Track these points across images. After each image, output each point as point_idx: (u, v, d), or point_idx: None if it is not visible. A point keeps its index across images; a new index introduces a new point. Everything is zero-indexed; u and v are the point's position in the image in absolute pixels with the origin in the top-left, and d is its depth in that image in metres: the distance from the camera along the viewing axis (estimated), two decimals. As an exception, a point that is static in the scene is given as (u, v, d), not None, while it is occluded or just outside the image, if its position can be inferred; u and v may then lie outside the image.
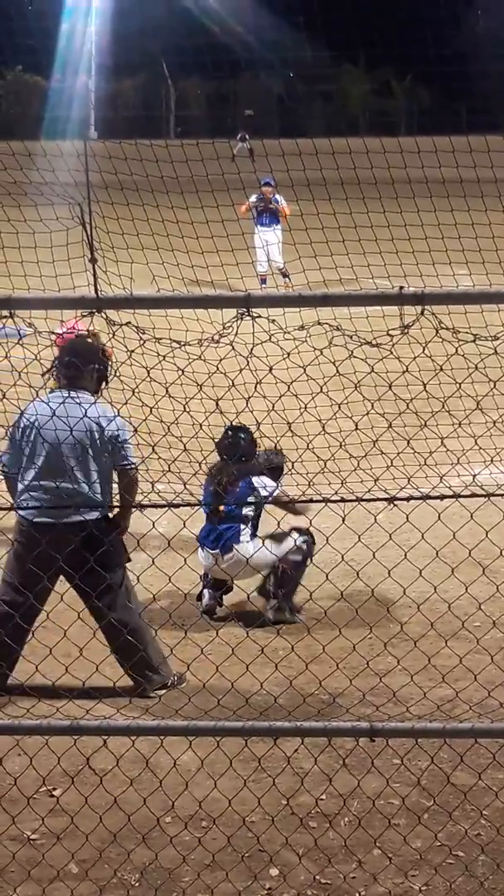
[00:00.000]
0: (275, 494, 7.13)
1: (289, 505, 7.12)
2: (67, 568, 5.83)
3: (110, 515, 6.20)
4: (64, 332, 7.14)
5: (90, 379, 6.17)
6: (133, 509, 6.20)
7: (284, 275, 18.24)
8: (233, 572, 7.11)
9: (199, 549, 7.27)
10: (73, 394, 5.81)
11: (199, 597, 7.33)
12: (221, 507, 7.16)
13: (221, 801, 5.14)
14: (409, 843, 5.00)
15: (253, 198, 18.45)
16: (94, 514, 6.07)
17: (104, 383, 6.24)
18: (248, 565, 6.94)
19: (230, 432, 7.16)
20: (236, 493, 7.12)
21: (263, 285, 18.49)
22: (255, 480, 7.15)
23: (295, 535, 7.20)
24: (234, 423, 6.94)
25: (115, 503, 6.22)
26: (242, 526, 7.20)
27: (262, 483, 7.14)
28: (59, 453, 5.99)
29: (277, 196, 18.75)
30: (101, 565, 5.54)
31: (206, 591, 7.34)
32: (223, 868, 4.86)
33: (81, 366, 6.09)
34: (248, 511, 7.19)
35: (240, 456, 7.09)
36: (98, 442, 6.06)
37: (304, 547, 7.20)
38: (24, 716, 5.82)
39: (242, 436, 7.16)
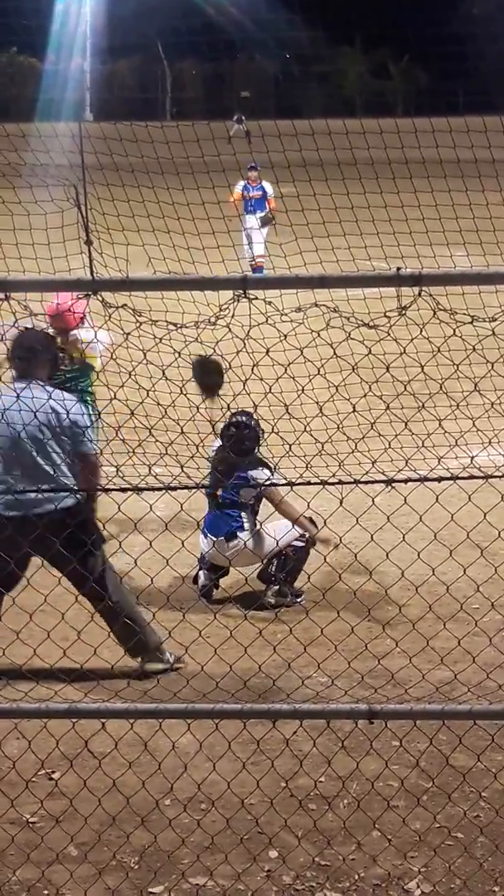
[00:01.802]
0: (268, 489, 7.09)
1: (287, 510, 7.12)
2: (50, 557, 5.85)
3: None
4: (57, 303, 7.17)
5: (43, 368, 6.28)
6: (100, 494, 6.26)
7: (259, 269, 17.84)
8: (235, 560, 7.12)
9: (202, 537, 7.28)
10: (23, 385, 5.90)
11: (196, 579, 7.33)
12: (219, 493, 7.16)
13: (220, 783, 5.14)
14: (409, 824, 5.00)
15: (239, 187, 18.28)
16: (68, 502, 6.08)
17: (57, 371, 6.43)
18: (251, 554, 6.96)
19: (233, 428, 7.15)
20: (236, 480, 7.13)
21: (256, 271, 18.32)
22: (255, 471, 7.15)
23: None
24: (237, 415, 6.98)
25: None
26: (243, 514, 7.20)
27: (256, 476, 7.13)
28: (21, 445, 6.05)
29: (264, 184, 18.56)
30: (85, 550, 5.55)
31: (201, 573, 7.34)
32: (222, 850, 4.86)
33: (33, 356, 6.19)
34: (245, 498, 7.20)
35: (244, 448, 7.13)
36: (58, 429, 6.11)
37: (307, 534, 7.20)
38: (23, 699, 5.81)
39: (247, 432, 7.16)
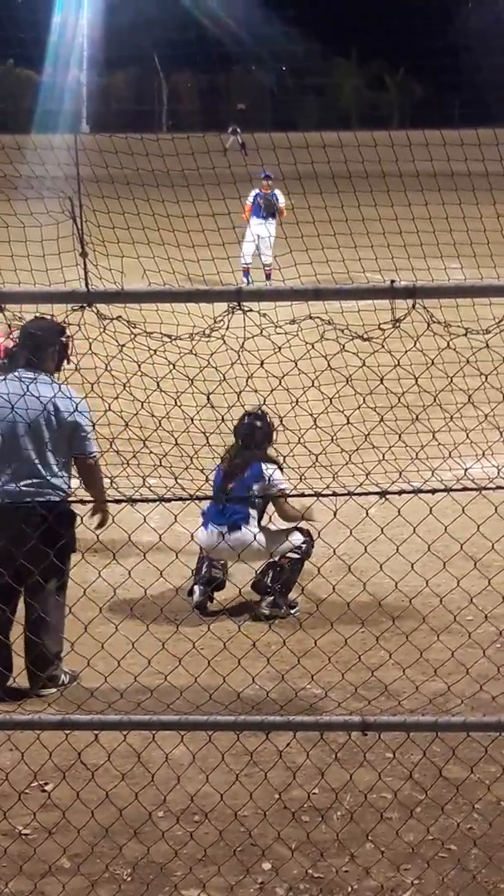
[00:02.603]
0: (280, 487, 7.18)
1: (288, 511, 7.17)
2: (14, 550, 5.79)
3: (69, 500, 6.17)
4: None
5: (49, 361, 6.19)
6: (108, 500, 6.22)
7: (268, 276, 18.06)
8: (236, 550, 7.07)
9: (201, 529, 7.23)
10: (30, 374, 5.90)
11: (190, 592, 7.32)
12: (230, 486, 7.23)
13: (213, 795, 5.14)
14: (402, 836, 5.00)
15: (251, 197, 18.46)
16: (52, 499, 6.03)
17: (65, 362, 6.24)
18: (252, 547, 6.95)
19: (247, 418, 7.21)
20: (245, 477, 7.20)
21: (246, 278, 18.43)
22: (265, 468, 7.19)
23: (296, 534, 7.27)
24: (252, 410, 7.03)
25: (79, 495, 6.20)
26: (252, 511, 7.24)
27: (270, 472, 7.18)
28: (15, 436, 6.01)
29: (276, 192, 18.73)
30: (53, 550, 5.52)
31: (196, 587, 7.33)
32: (215, 862, 4.86)
33: (38, 348, 6.10)
34: (255, 495, 7.23)
35: (256, 443, 7.22)
36: (55, 425, 6.04)
37: (304, 546, 7.25)
38: (16, 710, 5.82)
39: (259, 424, 7.23)
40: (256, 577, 7.31)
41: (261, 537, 7.13)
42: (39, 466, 6.06)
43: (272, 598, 7.24)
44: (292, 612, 7.20)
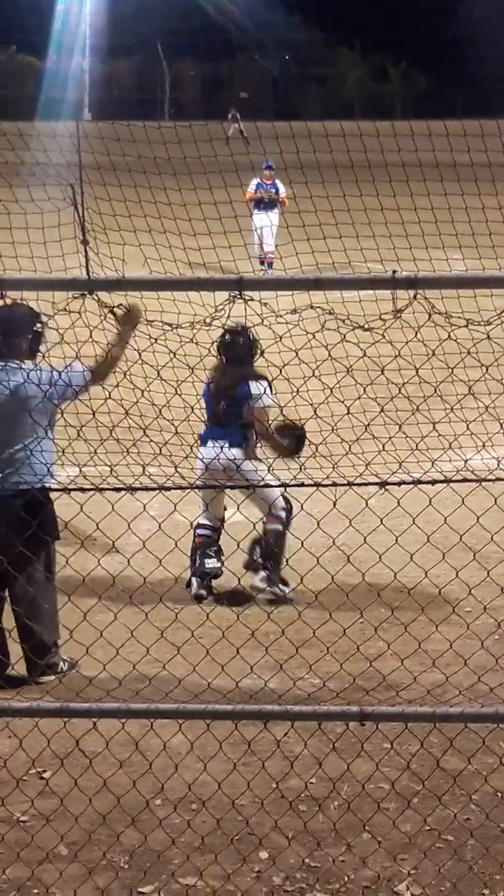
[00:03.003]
0: (265, 404, 7.18)
1: (270, 438, 7.23)
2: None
3: (49, 485, 6.12)
4: None
5: (22, 348, 6.08)
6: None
7: (269, 264, 18.08)
8: (235, 465, 6.94)
9: (201, 448, 7.19)
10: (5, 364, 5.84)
11: (188, 584, 7.32)
12: (221, 405, 7.23)
13: (211, 784, 5.14)
14: (399, 827, 5.01)
15: (253, 184, 18.55)
16: (33, 483, 5.98)
17: (40, 346, 6.12)
18: (246, 469, 6.94)
19: (227, 335, 7.15)
20: (236, 395, 7.19)
21: (262, 267, 18.51)
22: (254, 386, 7.19)
23: (280, 499, 7.30)
24: (232, 326, 6.85)
25: (55, 483, 6.14)
26: (246, 433, 7.24)
27: (259, 390, 7.17)
28: None
29: (277, 183, 18.80)
30: (34, 537, 5.51)
31: (193, 578, 7.32)
32: (212, 851, 4.86)
33: (9, 335, 6.03)
34: (247, 418, 7.24)
35: (239, 358, 7.20)
36: (36, 407, 5.95)
37: (283, 514, 7.27)
38: (14, 698, 5.82)
39: (240, 339, 7.17)
40: (247, 557, 7.32)
41: (257, 463, 7.14)
42: (18, 453, 6.00)
43: (265, 572, 7.27)
44: (286, 590, 7.21)
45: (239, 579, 7.14)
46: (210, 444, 7.17)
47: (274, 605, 7.12)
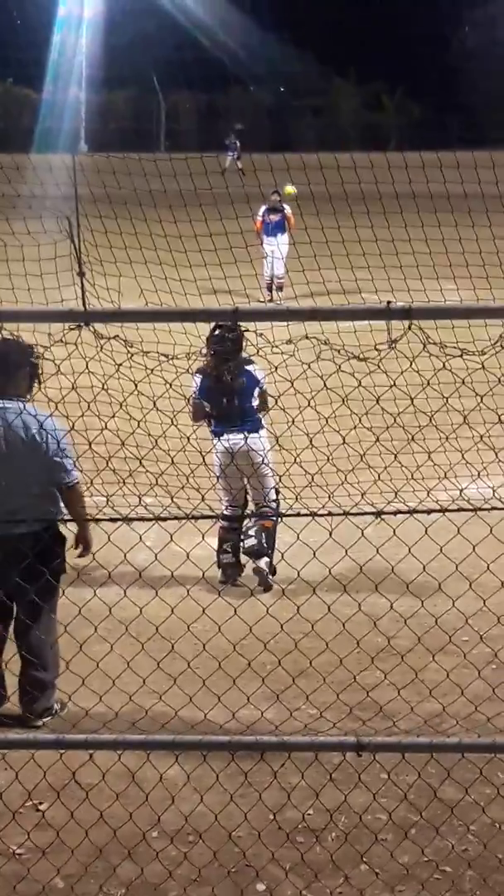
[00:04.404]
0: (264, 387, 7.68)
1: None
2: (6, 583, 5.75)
3: (59, 526, 6.11)
4: None
5: (21, 383, 6.00)
6: (89, 522, 6.15)
7: (279, 287, 18.40)
8: (258, 446, 7.54)
9: (216, 443, 7.69)
10: (8, 404, 5.82)
11: (219, 563, 7.86)
12: (233, 402, 7.64)
13: (208, 815, 5.13)
14: (396, 858, 4.99)
15: (260, 211, 18.77)
16: (35, 527, 5.94)
17: (37, 382, 6.03)
18: (260, 448, 7.50)
19: (217, 330, 7.48)
20: (243, 386, 7.62)
21: (269, 294, 18.73)
22: (254, 370, 7.65)
23: (272, 492, 7.87)
24: (221, 322, 7.26)
25: (66, 517, 6.15)
26: (260, 416, 7.73)
27: (261, 375, 7.62)
28: None
29: (285, 205, 19.02)
30: (40, 579, 5.50)
31: (222, 556, 7.88)
32: (209, 883, 4.84)
33: (8, 371, 5.93)
34: (256, 402, 7.69)
35: (230, 351, 7.53)
36: (33, 452, 5.92)
37: (275, 505, 7.84)
38: (10, 730, 5.80)
39: (230, 335, 7.48)
40: (251, 544, 7.87)
41: (268, 444, 7.65)
42: (25, 495, 5.94)
43: (267, 558, 7.84)
44: (272, 576, 7.82)
45: (252, 591, 7.43)
46: (226, 435, 7.64)
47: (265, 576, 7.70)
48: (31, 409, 5.93)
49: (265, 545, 7.87)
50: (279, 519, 7.79)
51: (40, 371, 5.95)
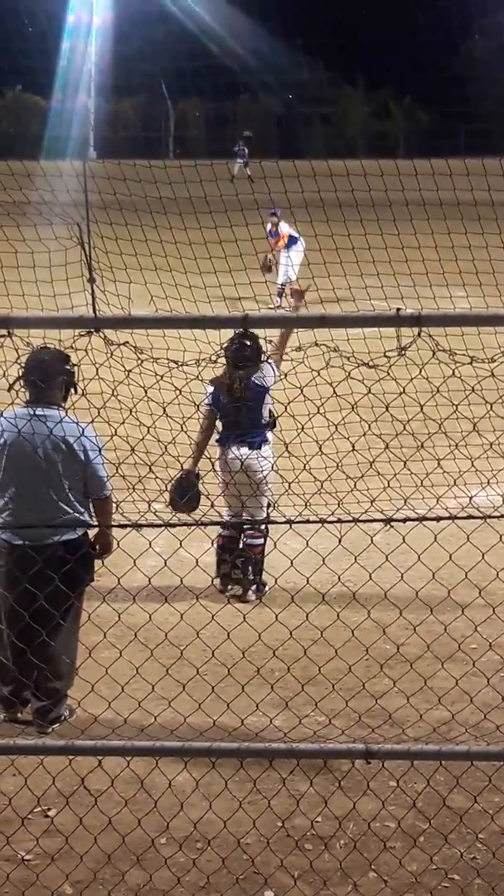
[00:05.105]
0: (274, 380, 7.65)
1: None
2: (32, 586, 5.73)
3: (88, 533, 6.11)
4: None
5: (58, 391, 5.98)
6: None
7: (280, 294, 18.44)
8: (257, 467, 7.57)
9: (223, 455, 7.64)
10: (40, 411, 5.76)
11: (218, 569, 7.81)
12: (245, 410, 7.60)
13: (216, 822, 5.12)
14: (405, 866, 4.98)
15: (267, 229, 18.96)
16: (72, 535, 5.94)
17: (73, 390, 6.01)
18: (262, 467, 7.52)
19: (237, 340, 7.47)
20: (251, 395, 7.58)
21: (278, 300, 18.84)
22: (265, 369, 7.60)
23: (262, 511, 7.88)
24: (241, 332, 7.30)
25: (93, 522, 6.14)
26: (268, 434, 7.72)
27: (265, 375, 7.57)
28: (31, 474, 5.87)
29: (281, 226, 19.12)
30: (66, 587, 5.48)
31: (221, 565, 7.81)
32: (218, 890, 4.84)
33: (46, 379, 5.87)
34: (266, 415, 7.70)
35: (250, 361, 7.53)
36: (69, 461, 5.89)
37: (263, 528, 7.86)
38: (19, 736, 5.81)
39: (249, 343, 7.50)
40: (238, 575, 7.89)
41: (268, 465, 7.62)
42: (61, 505, 5.91)
43: (255, 586, 7.87)
44: (266, 590, 7.81)
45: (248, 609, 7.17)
46: (233, 447, 7.61)
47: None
48: (70, 418, 5.90)
49: (251, 577, 7.86)
50: (266, 538, 7.83)
51: (76, 379, 5.93)
